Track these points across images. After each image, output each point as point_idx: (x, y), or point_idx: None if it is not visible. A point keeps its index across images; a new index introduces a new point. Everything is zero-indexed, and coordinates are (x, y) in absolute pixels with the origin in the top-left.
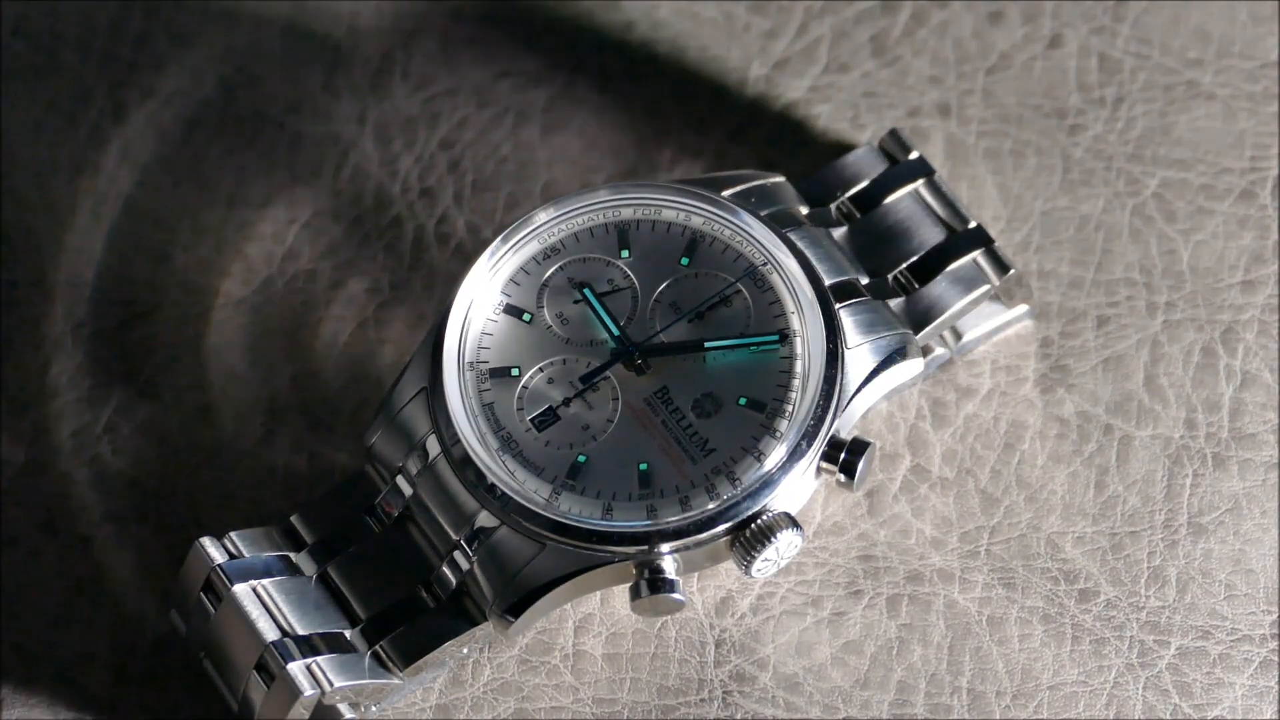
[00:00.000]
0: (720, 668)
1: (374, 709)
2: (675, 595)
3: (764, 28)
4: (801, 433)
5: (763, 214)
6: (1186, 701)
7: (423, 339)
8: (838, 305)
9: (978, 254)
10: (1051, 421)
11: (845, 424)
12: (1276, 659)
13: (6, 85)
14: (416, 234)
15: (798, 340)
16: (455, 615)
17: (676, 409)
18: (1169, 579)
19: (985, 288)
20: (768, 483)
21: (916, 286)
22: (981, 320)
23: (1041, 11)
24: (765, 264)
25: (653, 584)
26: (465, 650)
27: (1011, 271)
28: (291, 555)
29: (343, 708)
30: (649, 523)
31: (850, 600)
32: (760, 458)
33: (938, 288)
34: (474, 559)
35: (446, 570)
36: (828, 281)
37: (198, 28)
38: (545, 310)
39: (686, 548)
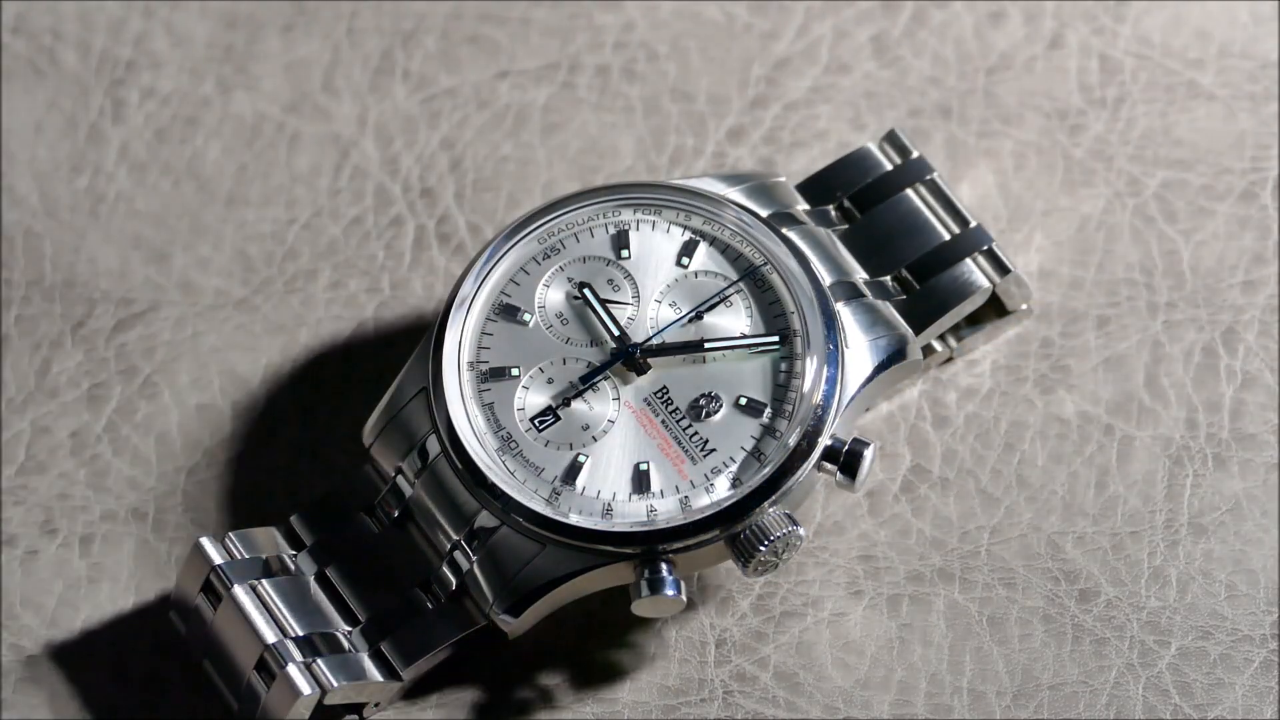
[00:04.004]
0: (721, 667)
1: (374, 709)
2: (675, 595)
3: (764, 28)
4: (802, 433)
5: (763, 214)
6: (1187, 702)
7: (423, 339)
8: (838, 305)
9: (978, 254)
10: (1052, 421)
11: (845, 424)
12: (1276, 659)
13: (6, 85)
14: (417, 234)
15: (798, 340)
16: (455, 615)
17: (676, 409)
18: (1169, 579)
19: (985, 288)
20: (768, 483)
21: (917, 286)
22: (979, 319)
23: (1042, 12)
24: (765, 264)
25: (653, 584)
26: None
27: (1011, 272)
28: (291, 555)
29: (343, 708)
30: (649, 523)
31: (850, 600)
32: (760, 458)
33: (938, 288)
34: (474, 559)
35: (446, 570)
36: (828, 281)
37: (197, 28)
38: (545, 310)
39: (686, 548)
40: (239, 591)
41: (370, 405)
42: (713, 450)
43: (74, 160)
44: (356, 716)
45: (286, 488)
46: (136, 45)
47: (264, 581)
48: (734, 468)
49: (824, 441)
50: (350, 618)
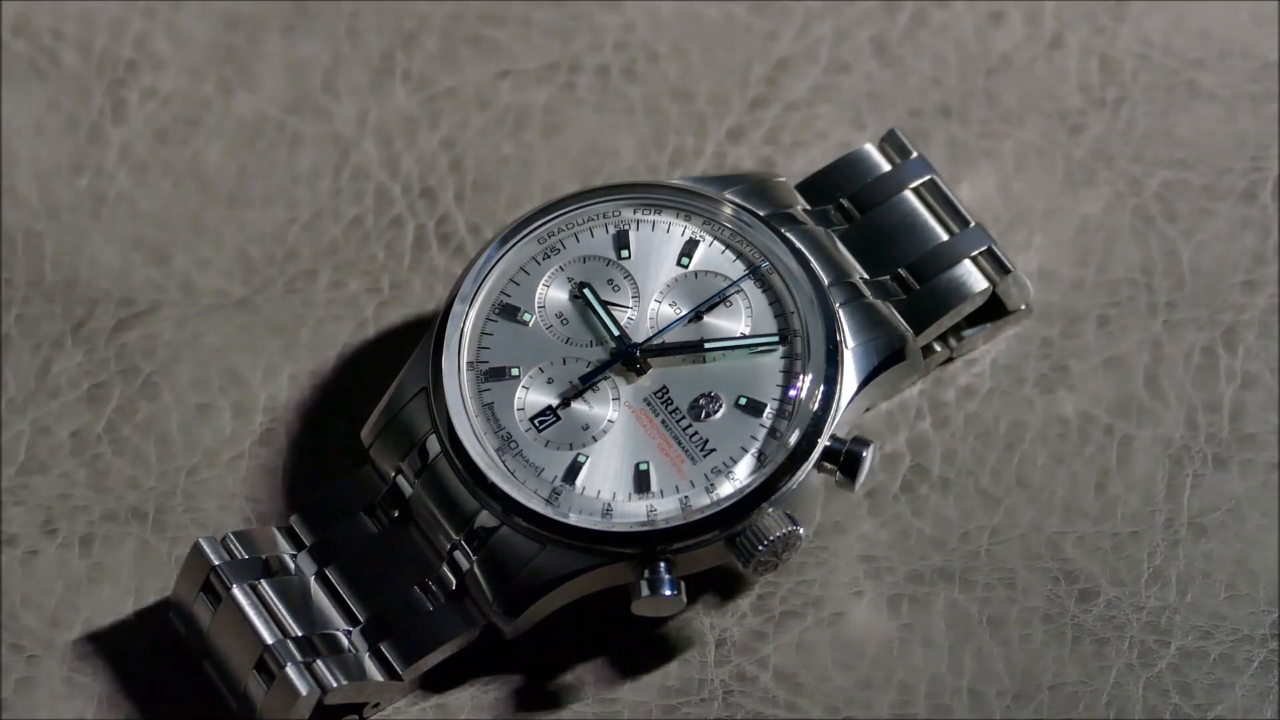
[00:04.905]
0: (721, 668)
1: (374, 709)
2: (675, 595)
3: (765, 28)
4: (802, 433)
5: (763, 214)
6: (1187, 702)
7: (423, 339)
8: (837, 305)
9: (978, 254)
10: (1052, 422)
11: (845, 424)
12: (1277, 659)
13: (7, 85)
14: (417, 234)
15: (798, 340)
16: (455, 615)
17: (676, 409)
18: (1170, 579)
19: (985, 288)
20: (768, 483)
21: (917, 286)
22: (980, 319)
23: (1043, 12)
24: (765, 264)
25: (652, 584)
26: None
27: (1011, 272)
28: (291, 556)
29: (343, 709)
30: (649, 523)
31: (851, 600)
32: (760, 458)
33: (938, 288)
34: (474, 559)
35: (446, 570)
36: (828, 281)
37: (198, 28)
38: (545, 310)
39: (686, 548)
40: (238, 592)
41: (370, 405)
42: (713, 450)
43: (75, 160)
44: (356, 717)
45: (287, 488)
46: (137, 46)
47: (263, 582)
48: (734, 468)
49: (824, 442)
50: (350, 618)
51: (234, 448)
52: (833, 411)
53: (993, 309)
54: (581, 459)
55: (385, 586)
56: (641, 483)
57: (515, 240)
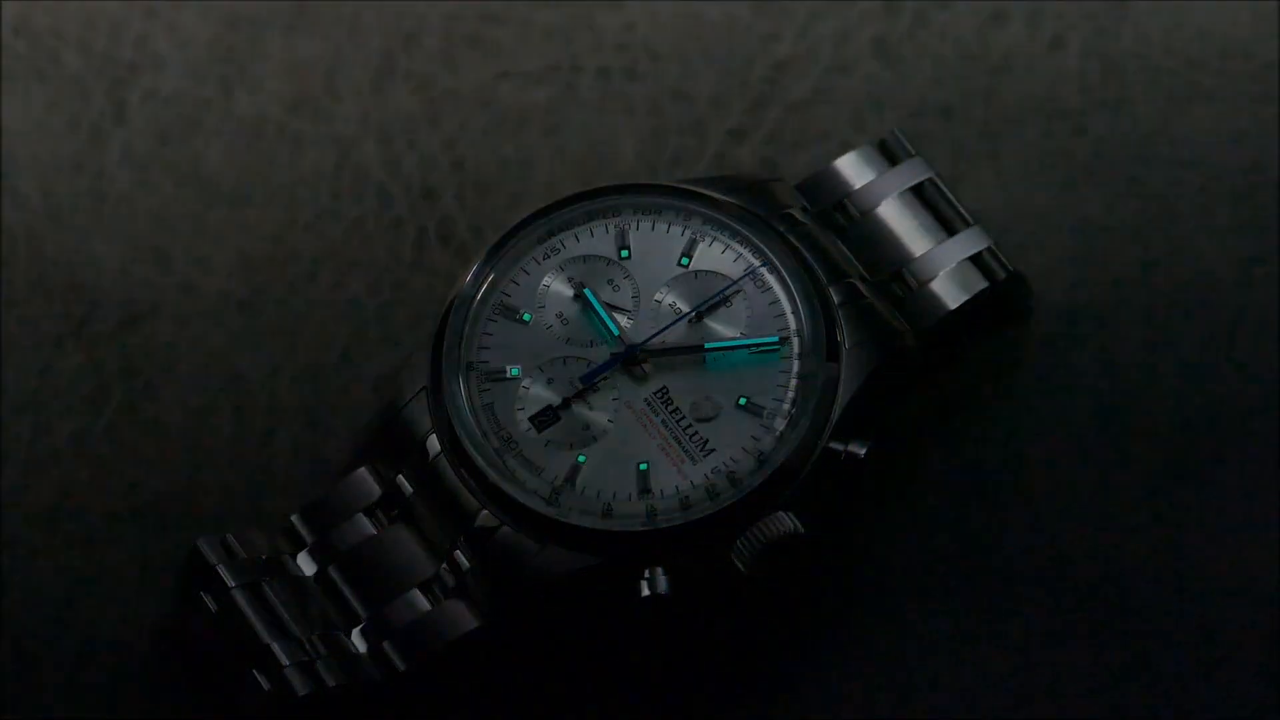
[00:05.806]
0: (721, 668)
1: (374, 709)
2: (675, 595)
3: (765, 29)
4: (801, 434)
5: (762, 214)
6: (1187, 701)
7: (423, 339)
8: (837, 305)
9: (978, 254)
10: (1052, 423)
11: (845, 424)
12: (1276, 660)
13: (8, 86)
14: (418, 234)
15: (798, 341)
16: (455, 615)
17: (676, 409)
18: (1170, 580)
19: (985, 288)
20: (768, 483)
21: (916, 287)
22: (981, 320)
23: (1043, 13)
24: (765, 264)
25: (652, 584)
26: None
27: (1012, 272)
28: (291, 555)
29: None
30: (649, 523)
31: (851, 601)
32: (760, 458)
33: (938, 288)
34: (474, 559)
35: (446, 570)
36: (827, 282)
37: (199, 29)
38: (545, 310)
39: (687, 548)
40: (237, 592)
41: (370, 405)
42: (713, 450)
43: (75, 161)
44: (356, 717)
45: (286, 488)
46: (138, 46)
47: (263, 582)
48: (734, 468)
49: (824, 443)
50: (350, 618)
51: (234, 448)
52: (833, 413)
53: (993, 309)
54: (581, 459)
55: (385, 586)
56: (641, 483)
57: (515, 240)
